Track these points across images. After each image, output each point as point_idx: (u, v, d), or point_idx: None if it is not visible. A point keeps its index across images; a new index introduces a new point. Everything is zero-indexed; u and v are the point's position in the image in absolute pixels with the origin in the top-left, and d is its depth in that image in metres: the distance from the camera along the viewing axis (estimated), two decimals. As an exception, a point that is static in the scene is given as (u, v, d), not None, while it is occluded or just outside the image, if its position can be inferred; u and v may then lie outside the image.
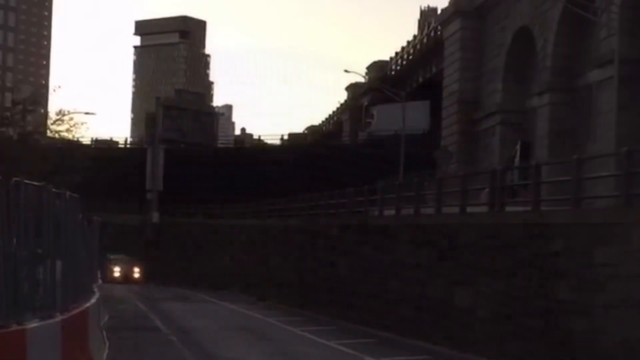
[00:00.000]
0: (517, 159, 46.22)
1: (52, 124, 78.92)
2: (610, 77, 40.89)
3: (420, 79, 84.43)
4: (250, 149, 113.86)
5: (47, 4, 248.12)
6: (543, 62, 51.96)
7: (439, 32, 75.23)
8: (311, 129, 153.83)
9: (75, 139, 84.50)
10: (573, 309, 20.48)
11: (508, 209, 25.73)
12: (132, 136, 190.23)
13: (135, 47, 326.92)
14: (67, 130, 78.25)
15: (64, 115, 77.65)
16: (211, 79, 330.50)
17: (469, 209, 28.16)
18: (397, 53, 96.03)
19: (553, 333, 21.14)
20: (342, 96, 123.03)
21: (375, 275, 33.80)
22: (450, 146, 64.50)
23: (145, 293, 55.43)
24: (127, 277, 69.25)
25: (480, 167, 56.17)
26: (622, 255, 18.83)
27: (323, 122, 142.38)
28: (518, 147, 47.70)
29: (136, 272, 70.32)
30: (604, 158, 28.66)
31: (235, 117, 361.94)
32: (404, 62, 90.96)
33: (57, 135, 78.58)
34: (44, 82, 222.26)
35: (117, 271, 69.30)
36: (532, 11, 54.03)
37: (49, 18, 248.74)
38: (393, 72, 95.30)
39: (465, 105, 64.93)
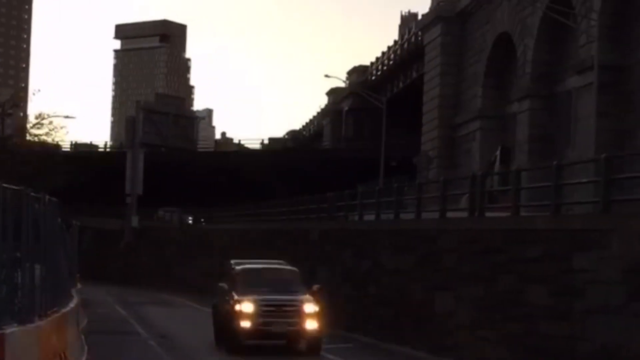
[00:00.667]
0: (497, 165, 46.31)
1: (31, 128, 78.72)
2: (590, 83, 41.08)
3: (401, 84, 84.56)
4: (231, 153, 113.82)
5: (26, 6, 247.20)
6: (523, 68, 52.13)
7: (419, 38, 75.36)
8: (292, 133, 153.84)
9: (55, 143, 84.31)
10: (552, 315, 20.54)
11: (488, 214, 25.80)
12: (112, 140, 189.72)
13: (116, 51, 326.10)
14: (47, 134, 78.09)
15: (43, 118, 77.45)
16: (192, 83, 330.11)
17: (449, 214, 28.22)
18: (377, 58, 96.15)
19: (532, 338, 21.19)
20: (323, 101, 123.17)
21: (355, 280, 33.81)
22: (431, 151, 64.60)
23: (124, 297, 55.26)
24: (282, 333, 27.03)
25: (460, 172, 56.26)
26: (601, 261, 18.91)
27: (303, 126, 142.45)
28: (498, 152, 47.79)
29: (310, 320, 26.34)
30: (583, 164, 28.78)
31: (216, 122, 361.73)
32: (385, 67, 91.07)
33: (36, 139, 78.34)
34: (23, 85, 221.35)
35: (248, 316, 26.11)
36: (513, 17, 54.22)
37: (28, 21, 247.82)
38: (374, 77, 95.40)
39: (445, 110, 65.04)
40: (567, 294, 20.01)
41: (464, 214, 26.99)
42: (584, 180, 24.04)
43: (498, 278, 23.03)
